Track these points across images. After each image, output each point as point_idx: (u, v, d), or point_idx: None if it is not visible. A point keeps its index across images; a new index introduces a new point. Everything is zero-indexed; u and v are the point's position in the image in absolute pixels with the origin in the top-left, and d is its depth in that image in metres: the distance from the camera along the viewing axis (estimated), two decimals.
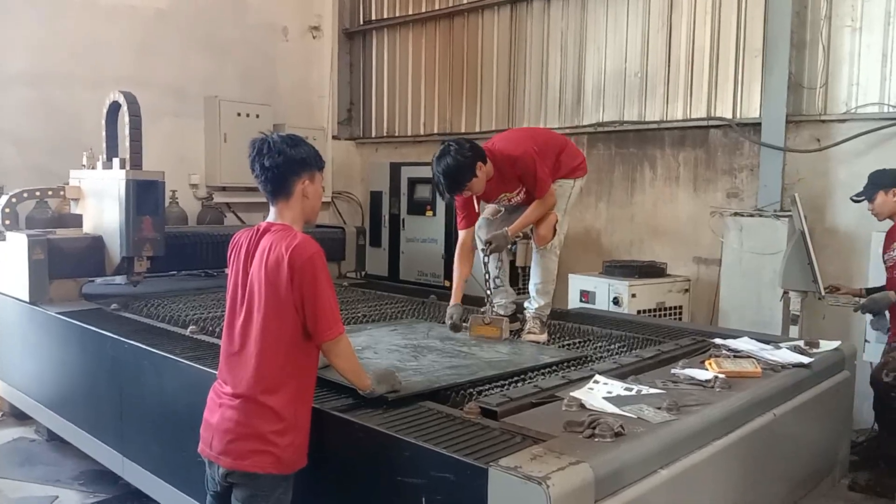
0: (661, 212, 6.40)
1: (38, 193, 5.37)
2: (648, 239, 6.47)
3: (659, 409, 2.56)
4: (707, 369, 3.09)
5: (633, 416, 2.48)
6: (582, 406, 2.56)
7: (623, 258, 6.39)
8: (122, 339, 3.71)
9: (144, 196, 4.81)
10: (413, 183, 7.18)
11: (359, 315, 4.49)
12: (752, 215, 5.54)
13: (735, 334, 3.84)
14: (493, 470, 2.02)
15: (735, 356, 3.34)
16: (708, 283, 6.06)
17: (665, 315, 5.69)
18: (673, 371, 3.06)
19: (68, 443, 4.42)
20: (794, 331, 4.94)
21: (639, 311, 5.54)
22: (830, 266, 5.23)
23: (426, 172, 7.15)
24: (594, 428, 2.28)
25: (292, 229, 2.43)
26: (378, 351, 3.46)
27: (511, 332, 4.03)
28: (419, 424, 2.43)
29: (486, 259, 3.98)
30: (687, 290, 5.86)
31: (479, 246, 4.15)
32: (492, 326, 3.85)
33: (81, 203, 5.31)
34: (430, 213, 6.93)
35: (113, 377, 3.81)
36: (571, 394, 2.65)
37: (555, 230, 4.01)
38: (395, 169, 7.36)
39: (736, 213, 5.61)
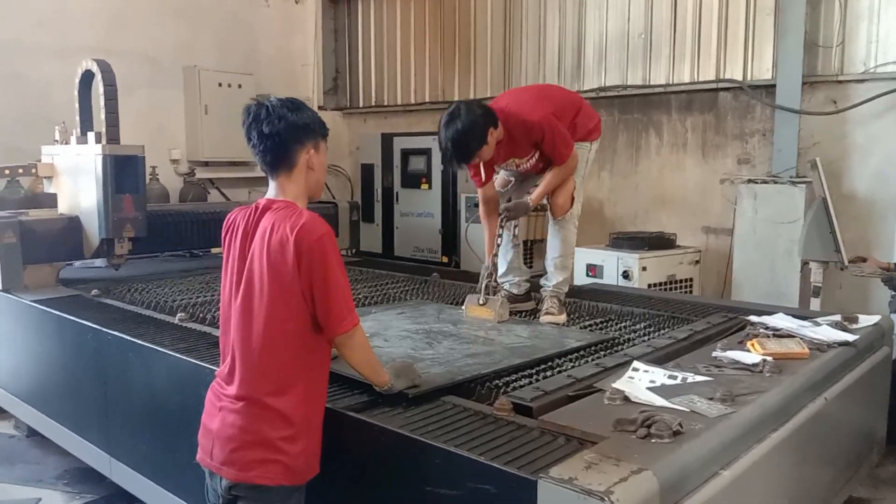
0: (667, 180, 6.13)
1: (7, 172, 4.99)
2: (654, 209, 6.21)
3: (711, 399, 2.30)
4: (751, 351, 2.83)
5: (685, 409, 2.22)
6: (626, 399, 2.29)
7: (628, 230, 6.13)
8: (104, 329, 3.39)
9: (123, 172, 4.45)
10: (406, 154, 6.85)
11: (359, 297, 4.18)
12: (766, 182, 5.28)
13: (769, 310, 3.58)
14: (544, 483, 1.74)
15: (775, 335, 3.09)
16: (718, 253, 5.82)
17: (676, 289, 5.45)
18: (714, 354, 2.80)
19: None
20: (815, 303, 4.72)
21: (649, 286, 5.29)
22: (847, 234, 4.97)
23: (420, 143, 6.89)
24: (650, 426, 2.01)
25: (297, 207, 2.14)
26: (389, 338, 3.17)
27: (526, 311, 3.76)
28: (447, 425, 2.15)
29: (500, 228, 3.70)
30: (697, 262, 5.62)
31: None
32: (486, 308, 3.58)
33: (55, 181, 4.94)
34: (425, 185, 6.61)
35: (96, 371, 3.49)
36: (613, 385, 2.38)
37: (573, 199, 3.74)
38: (388, 140, 7.02)
39: (750, 180, 5.35)
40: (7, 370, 4.41)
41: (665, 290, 5.36)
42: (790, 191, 5.12)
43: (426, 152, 6.62)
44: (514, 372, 2.70)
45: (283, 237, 2.04)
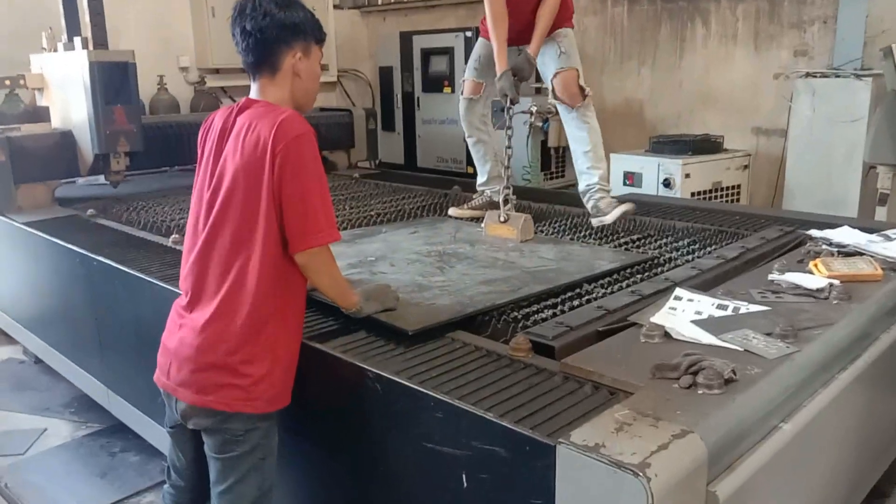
0: (714, 76, 5.55)
1: None
2: (699, 108, 5.66)
3: (770, 335, 1.92)
4: (814, 273, 2.43)
5: (737, 348, 1.85)
6: (667, 336, 1.93)
7: (670, 132, 5.61)
8: (90, 254, 3.11)
9: (113, 81, 4.07)
10: (427, 55, 6.33)
11: (372, 214, 3.83)
12: (826, 76, 4.70)
13: (831, 222, 3.14)
14: (565, 449, 1.41)
15: (840, 252, 2.67)
16: (769, 158, 5.30)
17: (721, 198, 4.99)
18: (771, 277, 2.40)
19: None
20: (880, 212, 4.24)
21: (692, 194, 4.84)
22: None
23: (442, 41, 6.35)
24: (696, 373, 1.66)
25: (278, 106, 1.93)
26: (396, 262, 2.82)
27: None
28: (451, 370, 1.82)
29: (508, 118, 3.29)
30: (746, 167, 5.13)
31: (468, 133, 3.77)
32: (508, 226, 3.20)
33: (46, 93, 4.59)
34: (447, 89, 6.11)
35: (87, 299, 3.25)
36: (651, 319, 2.02)
37: (581, 86, 3.33)
38: (406, 39, 6.48)
39: (808, 74, 4.76)
40: (9, 296, 4.21)
41: (710, 199, 4.91)
42: (854, 85, 4.55)
43: (448, 51, 6.09)
44: (537, 301, 2.35)
45: (259, 136, 1.84)
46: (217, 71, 6.96)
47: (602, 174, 3.38)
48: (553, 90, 3.38)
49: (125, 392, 3.10)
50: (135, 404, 3.03)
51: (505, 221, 3.21)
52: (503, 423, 1.53)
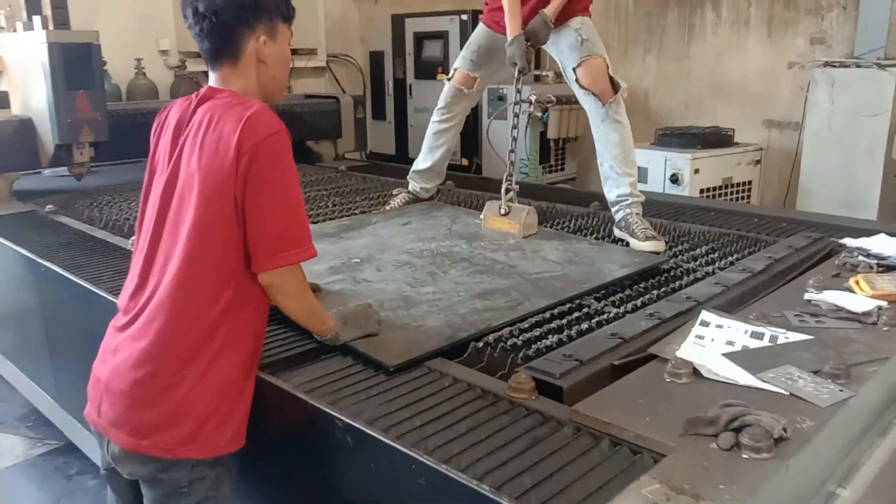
0: (725, 65, 5.23)
1: None
2: (709, 99, 5.34)
3: (817, 373, 1.62)
4: (856, 291, 2.12)
5: (781, 390, 1.55)
6: (696, 373, 1.62)
7: (677, 124, 5.29)
8: (37, 258, 2.78)
9: (75, 64, 3.72)
10: (420, 39, 5.97)
11: (357, 212, 3.51)
12: (847, 66, 4.38)
13: (862, 227, 2.84)
14: None
15: (881, 266, 2.37)
16: (782, 152, 4.99)
17: (732, 195, 4.68)
18: (808, 296, 2.09)
19: None
20: None
21: (701, 191, 4.53)
22: None
23: (435, 25, 5.97)
24: (737, 430, 1.35)
25: (245, 98, 1.65)
26: (383, 266, 2.51)
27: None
28: (439, 417, 1.51)
29: (517, 90, 2.97)
30: (758, 162, 4.81)
31: (437, 117, 3.47)
32: (508, 219, 2.90)
33: (6, 77, 4.23)
34: (441, 75, 5.75)
35: (36, 307, 2.92)
36: (676, 352, 1.71)
37: (612, 78, 2.95)
38: (398, 22, 6.12)
39: (827, 63, 4.44)
40: None
41: (719, 196, 4.60)
42: (877, 76, 4.22)
43: (443, 36, 5.73)
44: (539, 325, 2.03)
45: (223, 132, 1.56)
46: (199, 55, 6.59)
47: (633, 181, 3.01)
48: (578, 81, 2.97)
49: (76, 411, 2.78)
50: (81, 422, 2.71)
51: (506, 214, 2.90)
52: (498, 500, 1.22)
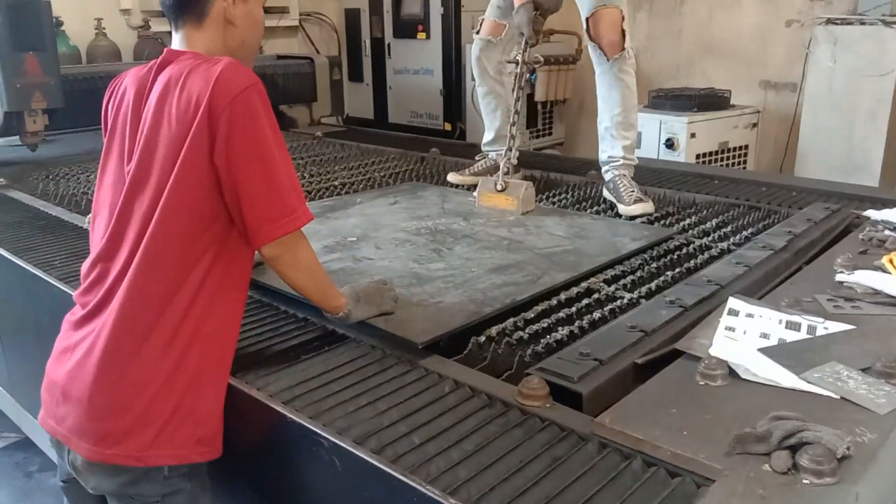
0: (718, 23, 5.00)
1: None
2: (700, 60, 5.12)
3: (867, 371, 1.43)
4: (891, 271, 1.93)
5: (831, 394, 1.35)
6: (731, 373, 1.42)
7: (668, 86, 5.05)
8: None
9: (23, 24, 3.39)
10: None
11: (336, 183, 3.26)
12: (850, 23, 4.16)
13: (881, 196, 2.65)
14: None
15: None
16: (779, 114, 4.80)
17: (728, 160, 4.48)
18: (839, 278, 1.90)
19: None
20: None
21: (697, 156, 4.33)
22: None
23: None
24: (792, 447, 1.15)
25: (210, 56, 1.47)
26: (381, 244, 2.33)
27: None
28: (441, 433, 1.29)
29: (523, 64, 2.75)
30: (755, 125, 4.61)
31: (479, 81, 3.18)
32: (506, 196, 2.70)
33: None
34: (422, 34, 5.45)
35: None
36: (708, 349, 1.50)
37: (623, 31, 2.73)
38: None
39: (829, 21, 4.23)
40: None
41: (715, 162, 4.41)
42: (883, 33, 4.02)
43: None
44: (545, 315, 1.83)
45: (193, 93, 1.38)
46: (163, 14, 6.22)
47: (628, 145, 2.83)
48: (588, 30, 2.77)
49: (31, 406, 2.54)
50: (35, 415, 2.48)
51: (502, 190, 2.69)
52: None
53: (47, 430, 1.48)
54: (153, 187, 1.40)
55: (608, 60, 2.73)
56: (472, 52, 3.17)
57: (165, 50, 1.51)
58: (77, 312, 1.49)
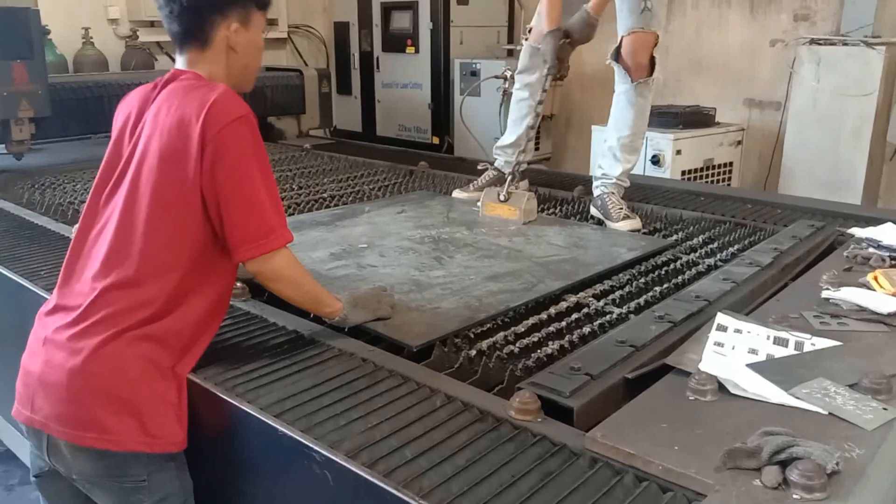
0: (705, 41, 5.06)
1: None
2: (687, 77, 5.17)
3: (854, 387, 1.44)
4: (875, 288, 1.96)
5: (819, 409, 1.37)
6: (720, 388, 1.44)
7: (655, 103, 5.07)
8: None
9: (10, 32, 3.38)
10: (388, 9, 5.67)
11: (325, 196, 3.26)
12: (834, 44, 4.24)
13: (863, 214, 2.69)
14: None
15: (893, 258, 2.21)
16: (763, 132, 4.86)
17: (713, 177, 4.53)
18: (825, 294, 1.92)
19: None
20: None
21: (683, 173, 4.37)
22: None
23: None
24: (784, 464, 1.16)
25: (209, 81, 1.59)
26: (385, 251, 2.42)
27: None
28: (434, 446, 1.29)
29: (543, 87, 2.78)
30: (739, 143, 4.67)
31: (519, 84, 3.13)
32: (508, 205, 2.77)
33: None
34: (411, 48, 5.49)
35: None
36: (698, 364, 1.51)
37: (653, 58, 2.74)
38: None
39: (813, 41, 4.30)
40: None
41: (700, 178, 4.45)
42: (866, 55, 4.09)
43: (412, 6, 5.43)
44: (536, 329, 1.83)
45: (185, 117, 1.48)
46: (152, 24, 6.20)
47: (627, 169, 2.86)
48: (618, 49, 2.76)
49: (5, 411, 2.51)
50: (14, 426, 2.45)
51: (505, 200, 2.76)
52: None
53: (22, 421, 1.51)
54: (138, 199, 1.49)
55: (632, 82, 2.74)
56: (521, 56, 3.13)
57: (172, 70, 1.60)
58: (51, 304, 1.56)
